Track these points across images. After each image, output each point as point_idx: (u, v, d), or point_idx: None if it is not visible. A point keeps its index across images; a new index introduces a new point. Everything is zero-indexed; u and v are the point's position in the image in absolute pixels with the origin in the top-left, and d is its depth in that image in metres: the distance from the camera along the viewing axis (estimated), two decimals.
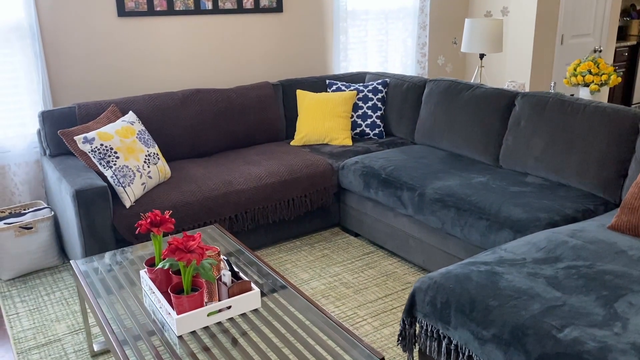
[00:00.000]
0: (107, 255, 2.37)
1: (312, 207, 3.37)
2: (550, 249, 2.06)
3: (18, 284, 3.00)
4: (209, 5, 3.82)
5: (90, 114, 3.22)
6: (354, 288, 2.89)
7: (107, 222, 2.74)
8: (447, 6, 5.01)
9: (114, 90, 3.62)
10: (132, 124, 3.05)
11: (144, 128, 3.11)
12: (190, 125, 3.52)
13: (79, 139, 2.77)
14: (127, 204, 2.82)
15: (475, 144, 3.31)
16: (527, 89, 4.76)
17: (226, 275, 1.91)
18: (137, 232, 2.07)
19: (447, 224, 2.74)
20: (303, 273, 3.05)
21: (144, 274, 2.05)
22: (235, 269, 1.98)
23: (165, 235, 2.81)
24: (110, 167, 2.79)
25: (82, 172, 2.85)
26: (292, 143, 3.79)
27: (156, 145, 3.16)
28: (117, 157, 2.82)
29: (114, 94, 3.62)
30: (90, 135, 2.79)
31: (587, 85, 3.47)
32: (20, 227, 3.00)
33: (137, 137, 2.99)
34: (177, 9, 3.71)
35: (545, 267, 1.94)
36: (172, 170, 3.26)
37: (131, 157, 2.88)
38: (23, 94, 3.29)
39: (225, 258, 1.98)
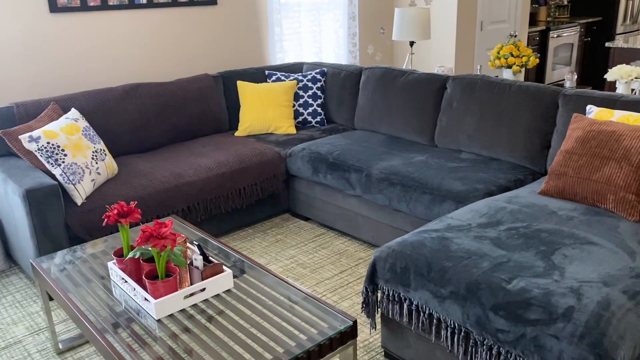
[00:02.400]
0: (64, 252, 2.36)
1: (262, 194, 3.46)
2: (491, 215, 2.28)
3: None
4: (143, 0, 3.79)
5: (30, 113, 3.14)
6: (310, 268, 3.02)
7: (60, 220, 2.71)
8: None
9: (51, 88, 3.53)
10: (77, 121, 3.01)
11: (88, 124, 3.08)
12: (133, 120, 3.50)
13: (24, 138, 2.71)
14: (79, 201, 2.80)
15: (412, 126, 3.52)
16: (453, 73, 5.05)
17: (198, 260, 1.98)
18: (104, 224, 2.09)
19: (394, 200, 2.92)
20: (259, 258, 3.15)
21: (112, 265, 2.08)
22: (207, 253, 2.06)
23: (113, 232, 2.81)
24: (59, 165, 2.76)
25: (29, 172, 2.79)
26: (236, 134, 3.85)
27: (102, 142, 3.13)
28: (65, 155, 2.79)
29: (52, 91, 3.53)
30: (35, 133, 2.74)
31: (509, 67, 3.78)
32: None
33: (82, 134, 2.96)
34: (111, 3, 3.66)
35: (489, 230, 2.16)
36: (118, 166, 3.24)
37: (79, 154, 2.86)
38: None
39: (197, 243, 2.06)
